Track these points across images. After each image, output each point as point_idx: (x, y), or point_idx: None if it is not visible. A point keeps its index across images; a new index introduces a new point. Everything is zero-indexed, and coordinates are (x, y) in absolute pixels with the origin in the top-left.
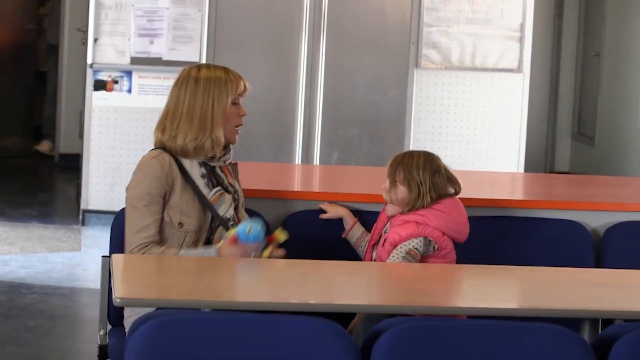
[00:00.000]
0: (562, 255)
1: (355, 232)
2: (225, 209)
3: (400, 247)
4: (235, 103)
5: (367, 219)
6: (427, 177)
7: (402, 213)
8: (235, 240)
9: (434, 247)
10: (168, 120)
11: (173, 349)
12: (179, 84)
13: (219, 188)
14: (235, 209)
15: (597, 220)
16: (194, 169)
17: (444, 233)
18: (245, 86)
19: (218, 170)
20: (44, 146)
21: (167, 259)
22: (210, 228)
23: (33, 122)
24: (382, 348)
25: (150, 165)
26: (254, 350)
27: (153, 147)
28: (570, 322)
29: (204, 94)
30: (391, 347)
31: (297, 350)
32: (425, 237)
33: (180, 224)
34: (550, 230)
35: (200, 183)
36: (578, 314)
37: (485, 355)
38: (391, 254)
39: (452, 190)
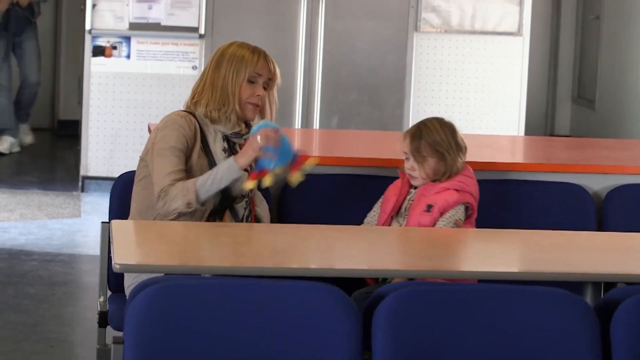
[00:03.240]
0: (563, 218)
1: None
2: (240, 185)
3: (448, 217)
4: (251, 81)
5: (366, 182)
6: (449, 138)
7: (434, 181)
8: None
9: (467, 214)
10: (196, 86)
11: (173, 315)
12: (212, 57)
13: None
14: None
15: (598, 183)
16: (217, 143)
17: (475, 198)
18: (269, 69)
19: (238, 147)
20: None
21: (166, 224)
22: (221, 202)
23: None
24: (384, 312)
25: (178, 123)
26: (255, 315)
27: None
28: (572, 286)
29: (226, 68)
30: (392, 311)
31: (298, 315)
32: (464, 204)
33: None
34: (551, 194)
35: (220, 157)
36: (580, 278)
37: (485, 318)
38: (438, 223)
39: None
